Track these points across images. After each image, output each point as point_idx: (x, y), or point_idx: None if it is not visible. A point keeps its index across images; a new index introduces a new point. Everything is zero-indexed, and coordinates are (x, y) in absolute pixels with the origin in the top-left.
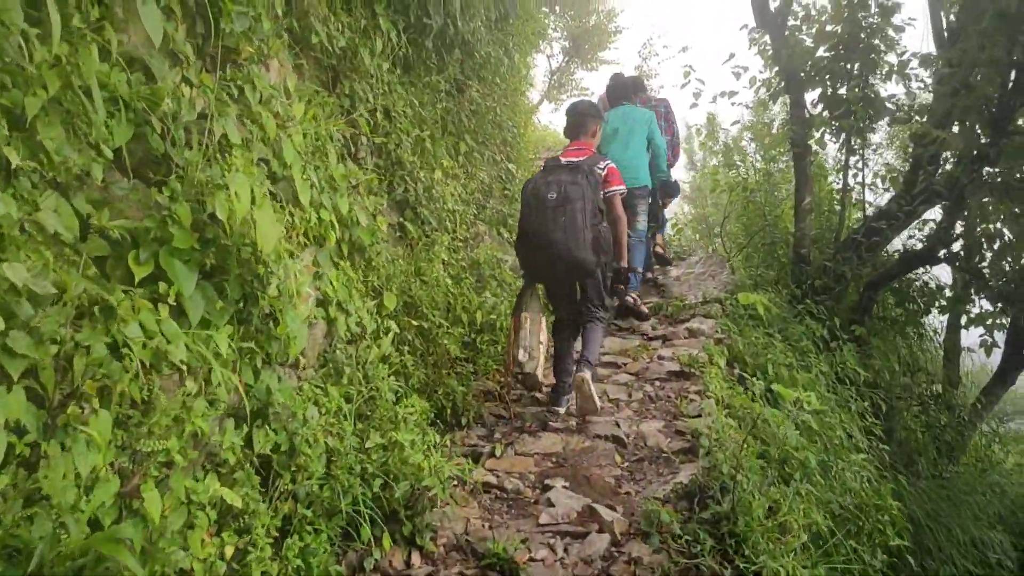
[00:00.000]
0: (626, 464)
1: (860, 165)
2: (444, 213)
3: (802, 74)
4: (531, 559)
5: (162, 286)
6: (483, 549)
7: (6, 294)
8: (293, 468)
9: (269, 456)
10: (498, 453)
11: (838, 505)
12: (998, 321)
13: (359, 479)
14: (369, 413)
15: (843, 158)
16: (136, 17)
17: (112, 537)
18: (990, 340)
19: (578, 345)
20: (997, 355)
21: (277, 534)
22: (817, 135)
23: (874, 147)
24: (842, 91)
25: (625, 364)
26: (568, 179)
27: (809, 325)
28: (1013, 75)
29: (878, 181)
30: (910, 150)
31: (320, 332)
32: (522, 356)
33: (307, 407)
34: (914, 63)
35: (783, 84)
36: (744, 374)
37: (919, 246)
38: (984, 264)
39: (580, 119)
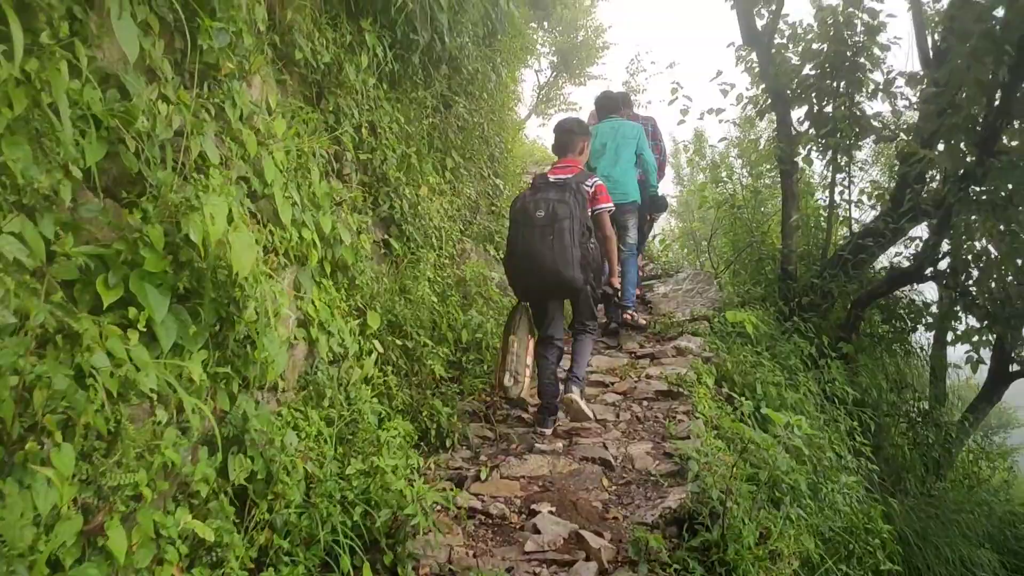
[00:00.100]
0: (614, 488)
1: (846, 182)
2: (430, 230)
3: (788, 92)
4: None
5: (132, 311)
6: None
7: None
8: (270, 496)
9: (245, 484)
10: (483, 476)
11: (828, 528)
12: (984, 338)
13: (339, 506)
14: (351, 436)
15: (829, 175)
16: (111, 32)
17: None
18: (976, 357)
19: (565, 363)
20: (983, 371)
21: (252, 566)
22: (804, 152)
23: (860, 164)
24: (828, 109)
25: (613, 383)
26: (556, 197)
27: (797, 343)
28: (999, 95)
29: (864, 198)
30: (896, 168)
31: (301, 353)
32: (507, 381)
33: (286, 432)
34: (900, 82)
35: (770, 101)
36: (732, 393)
37: (906, 264)
38: (971, 283)
39: (567, 136)
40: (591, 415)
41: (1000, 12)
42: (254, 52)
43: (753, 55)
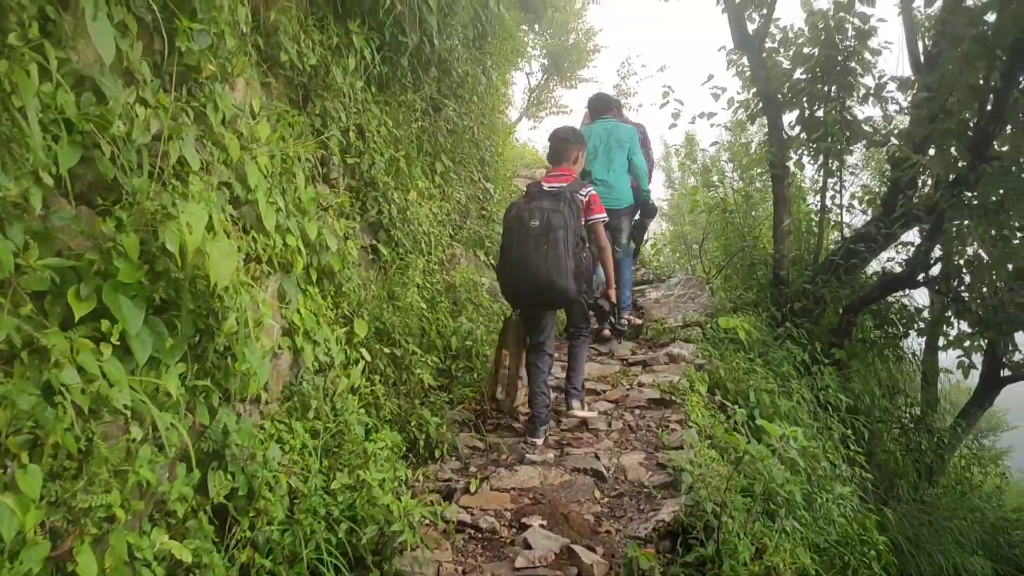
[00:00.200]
0: (606, 500)
1: (838, 187)
2: (419, 235)
3: (780, 96)
4: None
5: (105, 324)
6: None
7: None
8: (252, 513)
9: (225, 502)
10: (473, 489)
11: (823, 539)
12: (976, 343)
13: (324, 523)
14: (337, 449)
15: (821, 180)
16: (87, 34)
17: None
18: (968, 362)
19: (556, 369)
20: (974, 376)
21: None
22: (795, 157)
23: (850, 169)
24: (819, 113)
25: (604, 391)
26: (550, 207)
27: (790, 349)
28: (992, 100)
29: (855, 203)
30: (887, 172)
31: (285, 363)
32: (500, 394)
33: (269, 446)
34: (891, 86)
35: (761, 105)
36: (726, 401)
37: (898, 269)
38: (963, 288)
39: (562, 145)
40: (595, 414)
41: (992, 17)
42: (237, 54)
43: (744, 59)
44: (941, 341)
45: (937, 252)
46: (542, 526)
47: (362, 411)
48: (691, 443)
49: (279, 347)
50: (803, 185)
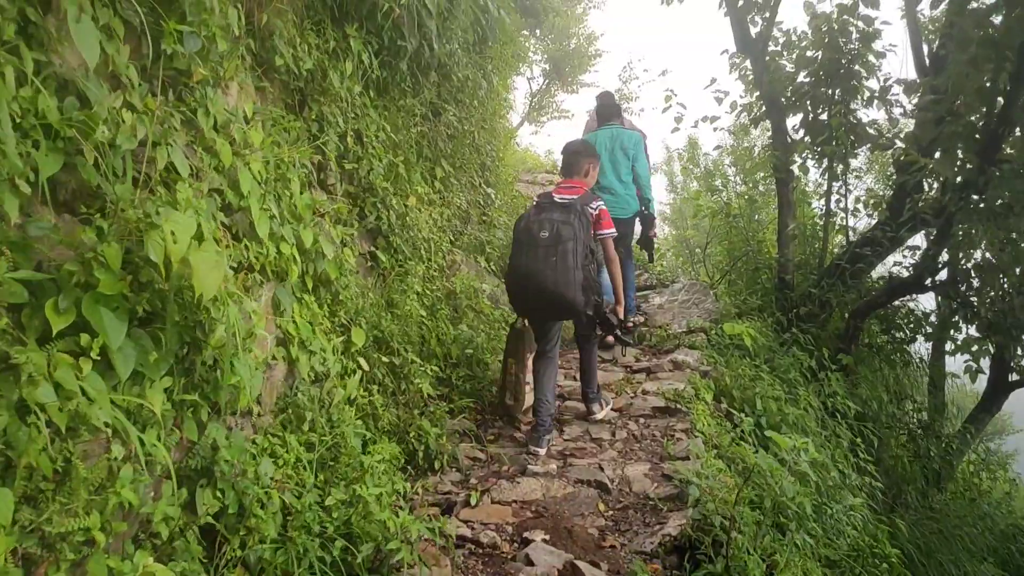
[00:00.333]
0: (610, 513)
1: (843, 191)
2: (419, 241)
3: (783, 99)
4: None
5: (85, 337)
6: None
7: None
8: (243, 532)
9: (215, 518)
10: (473, 502)
11: (835, 552)
12: (984, 348)
13: (318, 540)
14: (332, 462)
15: (825, 184)
16: (71, 37)
17: None
18: (975, 366)
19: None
20: (981, 381)
21: None
22: (799, 161)
23: (855, 173)
24: (823, 116)
25: (611, 398)
26: (561, 218)
27: (796, 355)
28: (1000, 103)
29: (860, 206)
30: (892, 176)
31: (280, 374)
32: (508, 400)
33: (261, 461)
34: (896, 89)
35: (764, 109)
36: (732, 409)
37: (904, 274)
38: (971, 292)
39: (573, 158)
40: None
41: (998, 19)
42: (229, 57)
43: (747, 62)
44: (949, 346)
45: (945, 256)
46: (545, 541)
47: (359, 422)
48: (697, 453)
49: (273, 358)
50: (807, 189)
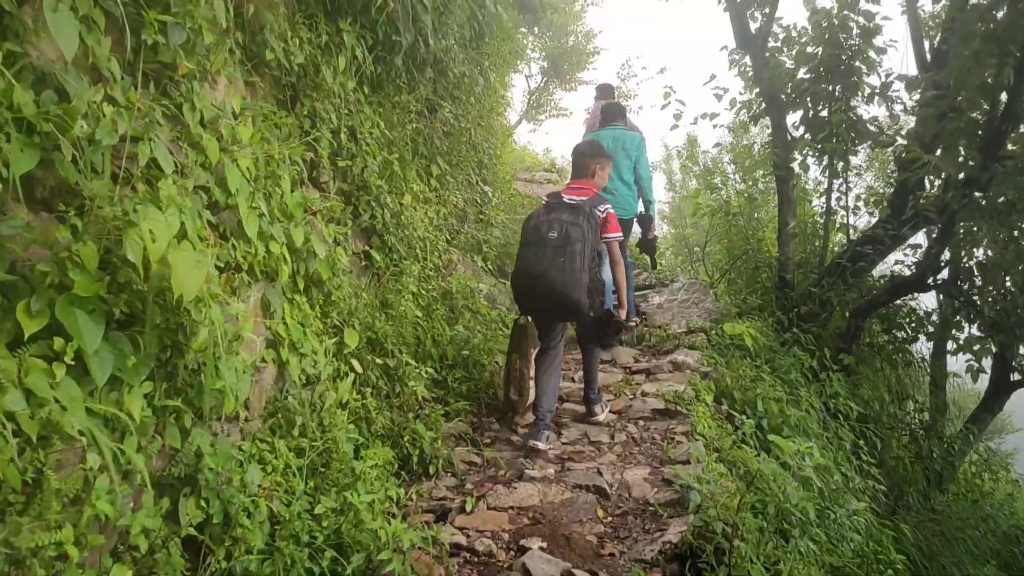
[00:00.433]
0: (609, 519)
1: (843, 188)
2: (414, 240)
3: (783, 96)
4: None
5: (58, 341)
6: None
7: None
8: (228, 542)
9: (200, 528)
10: (469, 508)
11: (838, 558)
12: (985, 347)
13: (307, 550)
14: (323, 469)
15: (825, 181)
16: (48, 27)
17: None
18: (977, 366)
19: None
20: (982, 380)
21: None
22: (799, 158)
23: (855, 170)
24: (824, 113)
25: (607, 401)
26: (570, 219)
27: (797, 355)
28: (1004, 98)
29: (860, 204)
30: (892, 173)
31: (269, 377)
32: (513, 395)
33: (248, 468)
34: (897, 85)
35: (764, 106)
36: (733, 411)
37: (906, 272)
38: (974, 291)
39: (581, 159)
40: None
41: (1000, 14)
42: (216, 51)
43: (747, 59)
44: (950, 345)
45: (947, 254)
46: (542, 549)
47: (352, 426)
48: (698, 457)
49: (263, 360)
50: (807, 187)
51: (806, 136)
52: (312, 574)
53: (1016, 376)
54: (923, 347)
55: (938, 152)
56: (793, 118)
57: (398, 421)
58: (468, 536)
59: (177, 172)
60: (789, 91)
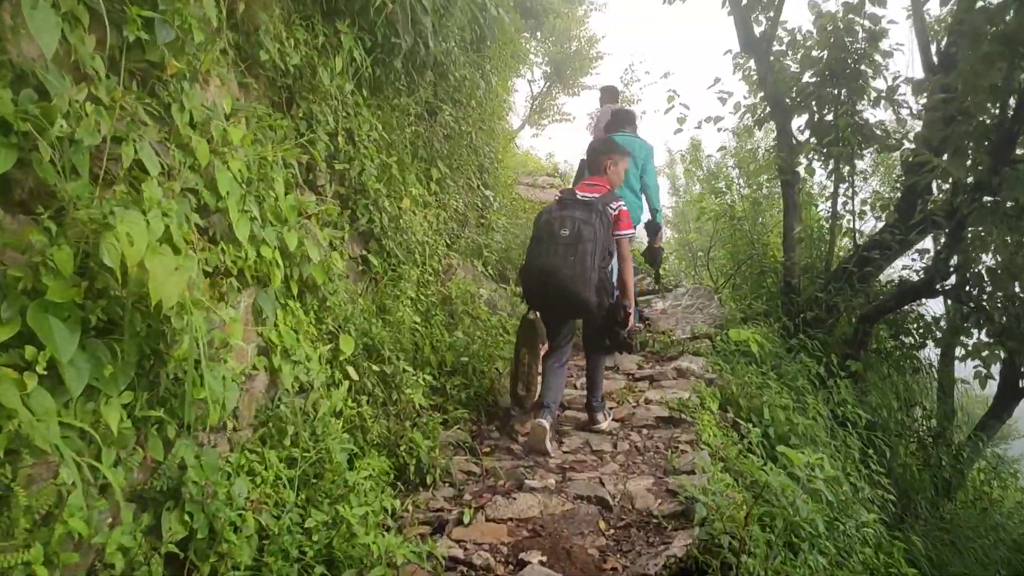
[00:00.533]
0: (611, 532)
1: (849, 193)
2: (413, 244)
3: (788, 100)
4: None
5: (30, 350)
6: None
7: None
8: (213, 558)
9: (184, 544)
10: (466, 519)
11: (848, 572)
12: (994, 353)
13: (296, 566)
14: (315, 480)
15: (831, 185)
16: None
17: None
18: (985, 372)
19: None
20: (990, 386)
21: None
22: (805, 162)
23: (861, 174)
24: (829, 117)
25: (610, 408)
26: (582, 217)
27: (804, 362)
28: (1013, 102)
29: (867, 208)
30: (898, 177)
31: (260, 385)
32: (520, 390)
33: (235, 481)
34: (904, 89)
35: (769, 110)
36: (739, 419)
37: (914, 277)
38: (983, 297)
39: (594, 156)
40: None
41: (1010, 15)
42: (207, 50)
43: (751, 62)
44: (959, 351)
45: (955, 259)
46: (542, 563)
47: (346, 435)
48: (703, 467)
49: (253, 368)
50: (813, 191)
51: (811, 140)
52: None
53: None
54: (931, 353)
55: (946, 156)
56: (798, 122)
57: (395, 430)
58: (466, 549)
59: (164, 174)
60: (794, 95)
